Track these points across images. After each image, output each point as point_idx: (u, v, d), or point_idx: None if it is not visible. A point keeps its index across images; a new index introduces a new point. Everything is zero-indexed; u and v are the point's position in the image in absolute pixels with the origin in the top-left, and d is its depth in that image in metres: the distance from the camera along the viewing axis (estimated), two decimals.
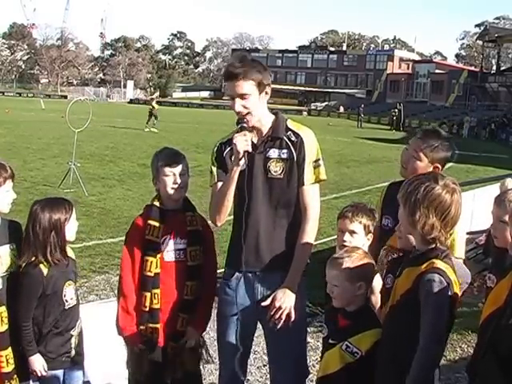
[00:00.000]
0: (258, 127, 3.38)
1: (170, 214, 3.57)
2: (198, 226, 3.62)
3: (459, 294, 2.76)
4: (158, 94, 54.28)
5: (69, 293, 3.54)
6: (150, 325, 3.52)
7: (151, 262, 3.50)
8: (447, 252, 2.74)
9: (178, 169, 3.53)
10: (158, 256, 3.51)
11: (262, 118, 3.38)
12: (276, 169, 3.33)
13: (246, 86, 3.25)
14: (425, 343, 2.57)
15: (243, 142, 3.17)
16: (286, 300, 3.24)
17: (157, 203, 3.60)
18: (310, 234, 3.36)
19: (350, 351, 2.98)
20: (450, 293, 2.64)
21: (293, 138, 3.35)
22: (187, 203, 3.67)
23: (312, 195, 3.38)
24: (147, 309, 3.51)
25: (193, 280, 3.56)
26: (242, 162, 3.20)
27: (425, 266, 2.68)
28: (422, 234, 2.70)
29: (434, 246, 2.72)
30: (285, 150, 3.34)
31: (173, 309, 3.55)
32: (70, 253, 3.66)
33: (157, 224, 3.52)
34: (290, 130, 3.38)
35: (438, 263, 2.67)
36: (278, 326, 3.26)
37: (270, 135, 3.38)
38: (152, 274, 3.50)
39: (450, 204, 2.68)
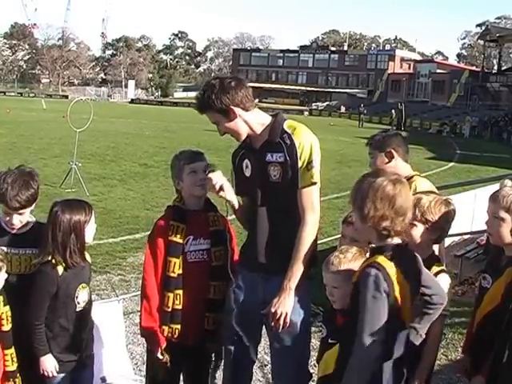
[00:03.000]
0: (253, 136, 3.40)
1: (193, 214, 3.59)
2: (220, 226, 3.64)
3: (406, 294, 2.69)
4: (256, 100, 51.46)
5: (81, 295, 3.50)
6: (172, 325, 3.55)
7: (174, 263, 3.52)
8: (397, 251, 2.72)
9: (201, 165, 3.58)
10: (181, 257, 3.54)
11: (255, 126, 3.38)
12: (274, 173, 3.32)
13: (212, 116, 3.35)
14: (359, 338, 2.60)
15: (209, 185, 3.37)
16: (280, 306, 3.23)
17: (179, 204, 3.64)
18: (306, 238, 3.30)
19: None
20: (386, 289, 2.62)
21: (287, 141, 3.30)
22: (208, 203, 3.69)
23: (307, 199, 3.31)
24: (169, 309, 3.54)
25: (218, 280, 3.58)
26: (224, 194, 3.36)
27: (368, 260, 2.73)
28: (373, 226, 2.71)
29: (389, 240, 2.73)
30: (280, 154, 3.30)
31: (198, 309, 3.57)
32: (87, 256, 3.64)
33: (180, 225, 3.55)
34: (286, 132, 3.33)
35: (379, 258, 2.67)
36: (279, 331, 3.27)
37: (267, 139, 3.37)
38: (175, 275, 3.53)
39: (394, 194, 2.68)
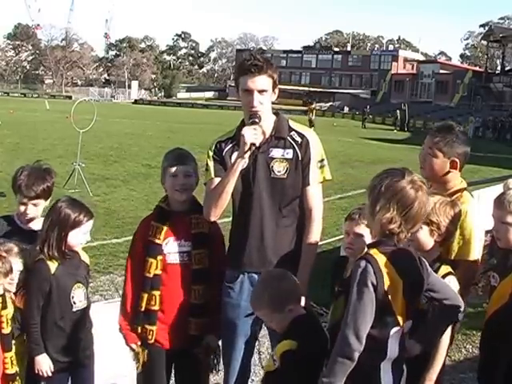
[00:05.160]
0: (262, 126, 3.34)
1: (175, 215, 3.52)
2: (203, 228, 3.52)
3: (396, 290, 2.59)
4: (315, 104, 48.93)
5: (77, 295, 3.50)
6: (147, 326, 3.50)
7: (151, 263, 3.46)
8: (393, 248, 2.63)
9: (183, 170, 3.49)
10: (159, 258, 3.47)
11: (267, 118, 3.36)
12: (279, 168, 3.32)
13: (266, 81, 3.27)
14: (343, 330, 2.53)
15: (252, 135, 3.19)
16: None
17: (163, 204, 3.59)
18: (316, 234, 3.37)
19: (273, 359, 2.93)
20: (373, 282, 2.53)
21: (297, 138, 3.34)
22: (195, 205, 3.58)
23: (317, 195, 3.39)
24: (143, 309, 3.49)
25: (199, 284, 3.49)
26: (248, 154, 3.21)
27: (364, 253, 2.66)
28: (380, 225, 2.63)
29: (388, 240, 2.65)
30: (289, 150, 3.33)
31: (180, 312, 3.50)
32: (84, 257, 3.65)
33: (160, 225, 3.49)
34: (294, 130, 3.38)
35: (372, 251, 2.61)
36: None
37: (273, 135, 3.36)
38: (151, 275, 3.47)
39: (413, 200, 2.60)
